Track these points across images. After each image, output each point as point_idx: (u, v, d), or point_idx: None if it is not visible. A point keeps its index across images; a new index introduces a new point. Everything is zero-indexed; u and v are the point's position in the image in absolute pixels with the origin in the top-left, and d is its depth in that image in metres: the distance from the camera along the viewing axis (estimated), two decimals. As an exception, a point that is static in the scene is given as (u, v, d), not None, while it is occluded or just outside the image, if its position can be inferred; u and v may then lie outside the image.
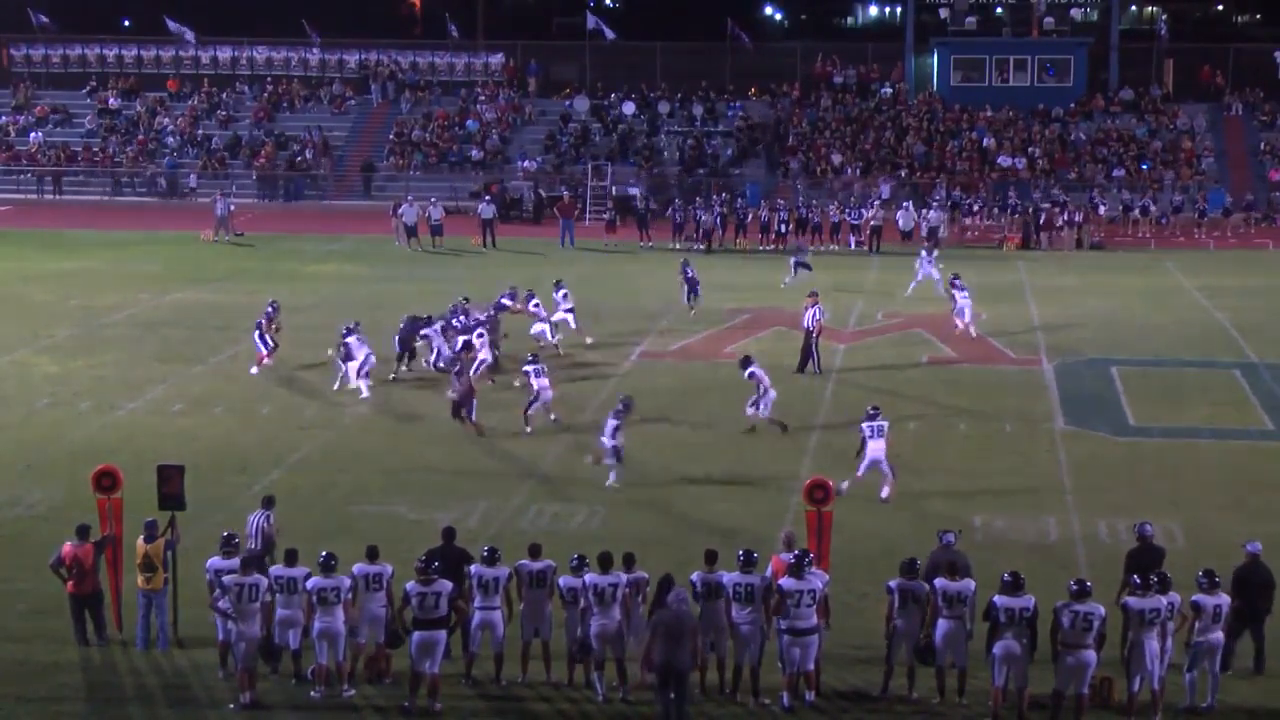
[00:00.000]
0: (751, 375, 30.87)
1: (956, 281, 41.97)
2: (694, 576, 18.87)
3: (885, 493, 26.58)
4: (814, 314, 36.58)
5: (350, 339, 34.32)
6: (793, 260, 49.39)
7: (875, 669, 18.95)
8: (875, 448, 26.67)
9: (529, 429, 30.87)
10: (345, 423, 32.13)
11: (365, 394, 33.73)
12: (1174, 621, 18.17)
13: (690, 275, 43.94)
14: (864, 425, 26.96)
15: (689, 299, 43.74)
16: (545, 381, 31.26)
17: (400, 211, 59.98)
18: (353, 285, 49.16)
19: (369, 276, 51.31)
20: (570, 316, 39.56)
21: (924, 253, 48.67)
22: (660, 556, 21.62)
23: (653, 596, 18.76)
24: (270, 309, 37.35)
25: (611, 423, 27.60)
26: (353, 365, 34.05)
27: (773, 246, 58.51)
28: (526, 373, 31.80)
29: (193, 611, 20.23)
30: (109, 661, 19.92)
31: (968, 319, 41.03)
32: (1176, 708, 18.28)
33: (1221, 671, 18.66)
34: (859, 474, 26.59)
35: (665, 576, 18.67)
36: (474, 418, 30.91)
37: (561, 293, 39.83)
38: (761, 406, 30.87)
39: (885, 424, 27.01)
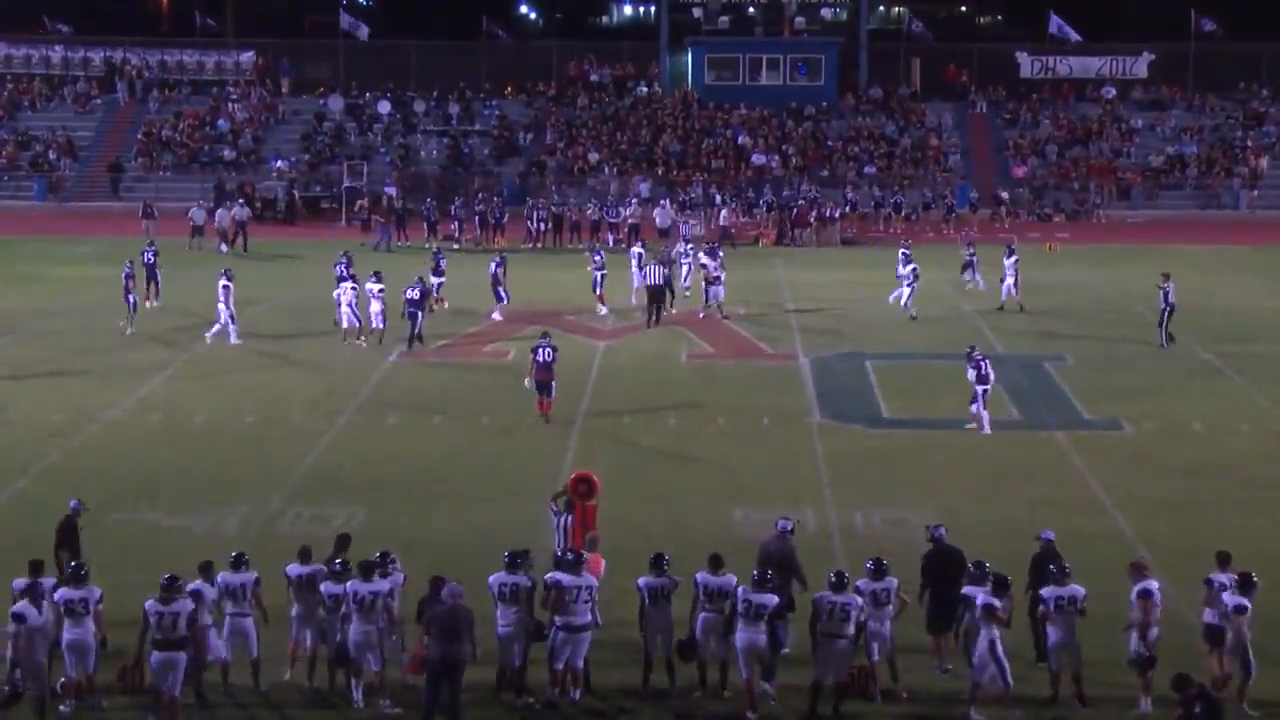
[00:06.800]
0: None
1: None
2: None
3: None
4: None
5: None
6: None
7: (638, 664, 18.97)
8: None
9: None
10: (95, 429, 31.27)
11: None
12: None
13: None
14: None
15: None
16: None
17: (190, 214, 59.10)
18: (105, 288, 47.73)
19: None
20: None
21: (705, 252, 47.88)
22: (423, 558, 21.40)
23: (426, 597, 18.52)
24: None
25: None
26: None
27: (531, 246, 58.90)
28: None
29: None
30: None
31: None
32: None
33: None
34: None
35: (435, 577, 18.48)
36: None
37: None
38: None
39: None
